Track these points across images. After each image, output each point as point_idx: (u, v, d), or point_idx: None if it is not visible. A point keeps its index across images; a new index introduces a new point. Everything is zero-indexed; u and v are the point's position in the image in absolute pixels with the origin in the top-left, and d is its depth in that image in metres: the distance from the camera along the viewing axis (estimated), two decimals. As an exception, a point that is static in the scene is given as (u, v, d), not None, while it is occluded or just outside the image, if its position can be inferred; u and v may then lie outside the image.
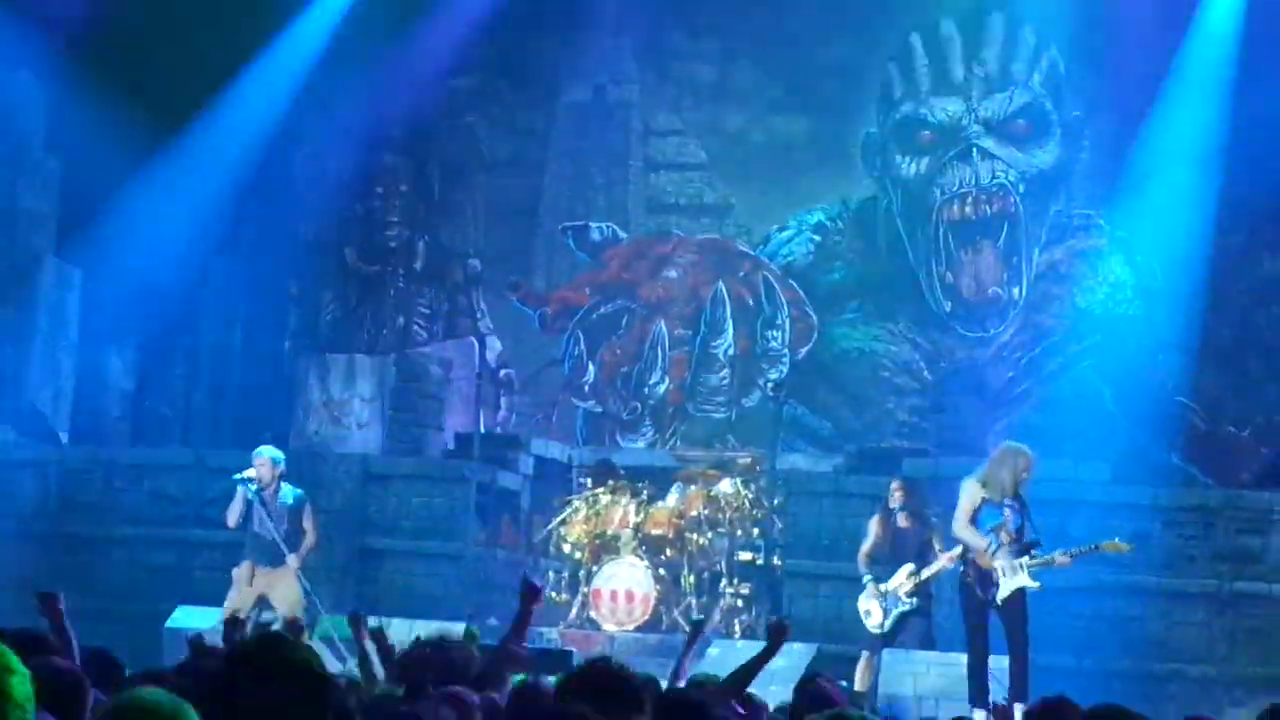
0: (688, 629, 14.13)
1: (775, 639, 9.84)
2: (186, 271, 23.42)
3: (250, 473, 17.81)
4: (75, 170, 23.04)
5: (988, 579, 16.08)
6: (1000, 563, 16.05)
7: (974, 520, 16.43)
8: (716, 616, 18.71)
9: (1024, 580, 16.12)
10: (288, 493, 17.92)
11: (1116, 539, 16.80)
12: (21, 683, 3.86)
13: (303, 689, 4.59)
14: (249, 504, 17.68)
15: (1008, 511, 16.21)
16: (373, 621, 12.73)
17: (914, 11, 23.50)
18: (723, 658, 14.69)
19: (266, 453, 18.10)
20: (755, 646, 11.17)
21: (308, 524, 17.93)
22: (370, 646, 10.41)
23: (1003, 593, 16.06)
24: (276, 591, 17.43)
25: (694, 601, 19.23)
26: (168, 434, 23.63)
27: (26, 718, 3.83)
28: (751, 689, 9.66)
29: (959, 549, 16.60)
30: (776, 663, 14.66)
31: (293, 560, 17.58)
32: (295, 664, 4.65)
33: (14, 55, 22.58)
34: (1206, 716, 11.35)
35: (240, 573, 17.62)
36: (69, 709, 5.27)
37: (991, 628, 16.13)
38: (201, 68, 22.49)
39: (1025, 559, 16.07)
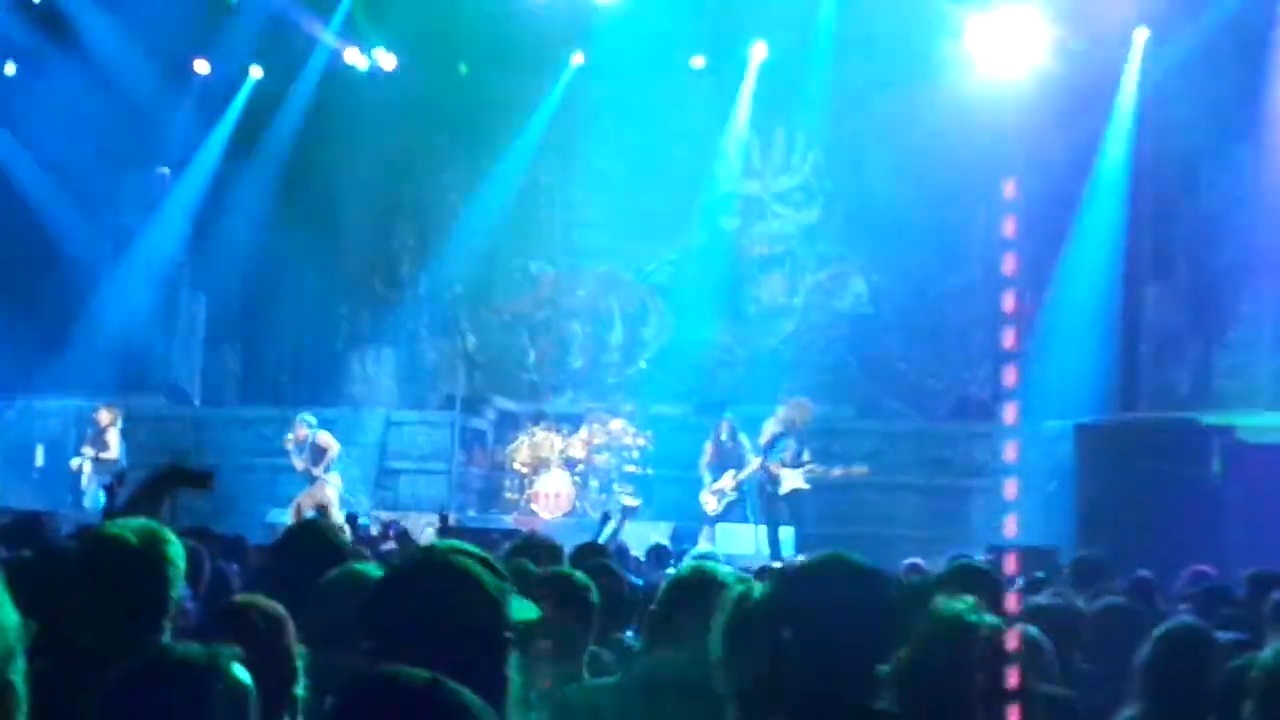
0: (596, 515, 14.12)
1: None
2: (275, 297, 23.37)
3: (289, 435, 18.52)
4: (201, 228, 22.87)
5: (776, 480, 16.39)
6: (783, 470, 16.35)
7: (771, 444, 16.77)
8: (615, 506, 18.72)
9: (799, 483, 16.43)
10: (313, 435, 18.36)
11: (858, 465, 17.10)
12: (176, 549, 3.91)
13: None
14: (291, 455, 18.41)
15: (791, 440, 16.58)
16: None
17: (730, 126, 23.32)
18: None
19: (300, 417, 18.59)
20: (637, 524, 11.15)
21: (321, 444, 18.25)
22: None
23: (783, 489, 16.39)
24: (317, 499, 17.65)
25: (598, 496, 19.26)
26: (264, 398, 23.37)
27: (179, 574, 3.88)
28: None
29: (759, 459, 16.86)
30: (657, 534, 14.69)
31: (322, 476, 18.07)
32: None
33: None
34: (919, 560, 11.40)
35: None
36: (190, 573, 5.12)
37: (780, 512, 16.50)
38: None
39: (801, 470, 16.35)
